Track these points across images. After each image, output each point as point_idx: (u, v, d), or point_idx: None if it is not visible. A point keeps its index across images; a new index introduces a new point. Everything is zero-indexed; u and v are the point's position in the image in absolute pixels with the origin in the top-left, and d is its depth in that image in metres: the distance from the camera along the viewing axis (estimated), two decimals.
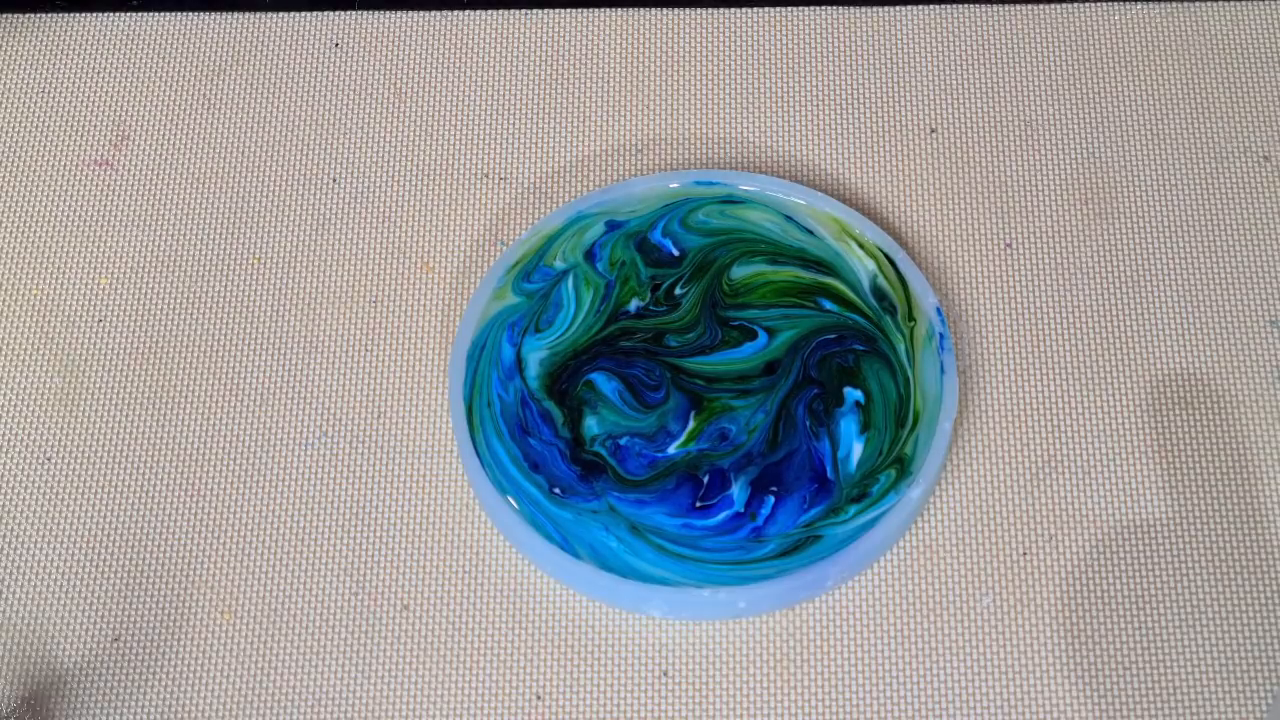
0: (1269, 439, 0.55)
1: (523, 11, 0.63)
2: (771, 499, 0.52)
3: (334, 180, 0.60)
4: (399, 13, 0.63)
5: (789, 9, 0.62)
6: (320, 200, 0.59)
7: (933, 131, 0.60)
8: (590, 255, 0.56)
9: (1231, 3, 0.62)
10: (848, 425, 0.53)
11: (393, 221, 0.59)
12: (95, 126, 0.61)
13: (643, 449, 0.53)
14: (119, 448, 0.55)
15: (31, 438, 0.55)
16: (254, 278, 0.58)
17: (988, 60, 0.61)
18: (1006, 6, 0.62)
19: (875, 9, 0.62)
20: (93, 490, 0.55)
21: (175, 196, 0.59)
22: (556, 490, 0.53)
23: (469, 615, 0.53)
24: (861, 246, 0.56)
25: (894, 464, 0.53)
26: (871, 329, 0.55)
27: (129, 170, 0.60)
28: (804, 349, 0.55)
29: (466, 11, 0.63)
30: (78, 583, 0.53)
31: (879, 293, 0.56)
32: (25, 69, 0.62)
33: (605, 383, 0.54)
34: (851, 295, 0.56)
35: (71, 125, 0.61)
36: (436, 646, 0.52)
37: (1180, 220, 0.58)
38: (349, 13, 0.63)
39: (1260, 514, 0.53)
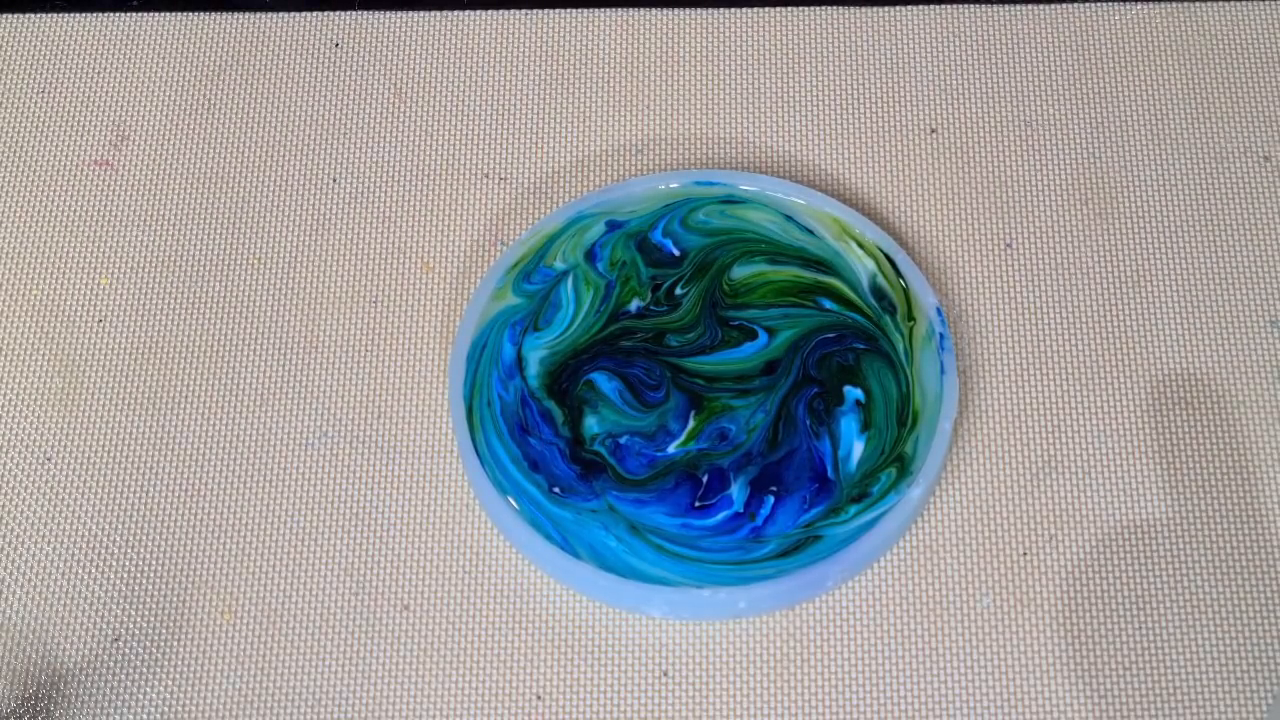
0: (1269, 439, 0.55)
1: (523, 11, 0.63)
2: (771, 499, 0.52)
3: (334, 180, 0.60)
4: (399, 13, 0.63)
5: (789, 9, 0.62)
6: (320, 200, 0.59)
7: (933, 131, 0.60)
8: (590, 255, 0.56)
9: (1231, 3, 0.62)
10: (848, 424, 0.53)
11: (393, 221, 0.59)
12: (95, 126, 0.61)
13: (642, 448, 0.53)
14: (119, 448, 0.55)
15: (31, 438, 0.55)
16: (254, 278, 0.58)
17: (988, 60, 0.61)
18: (1006, 6, 0.62)
19: (875, 9, 0.62)
20: (93, 490, 0.55)
21: (175, 196, 0.59)
22: (556, 490, 0.53)
23: (469, 615, 0.53)
24: (861, 246, 0.56)
25: (894, 463, 0.53)
26: (871, 328, 0.55)
27: (129, 170, 0.60)
28: (804, 348, 0.55)
29: (466, 11, 0.63)
30: (78, 583, 0.53)
31: (878, 292, 0.56)
32: (25, 69, 0.62)
33: (605, 382, 0.54)
34: (851, 295, 0.56)
35: (71, 125, 0.61)
36: (436, 646, 0.52)
37: (1180, 220, 0.58)
38: (349, 13, 0.63)
39: (1260, 514, 0.53)
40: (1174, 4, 0.62)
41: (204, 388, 0.56)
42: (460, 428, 0.54)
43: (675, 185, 0.58)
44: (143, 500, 0.54)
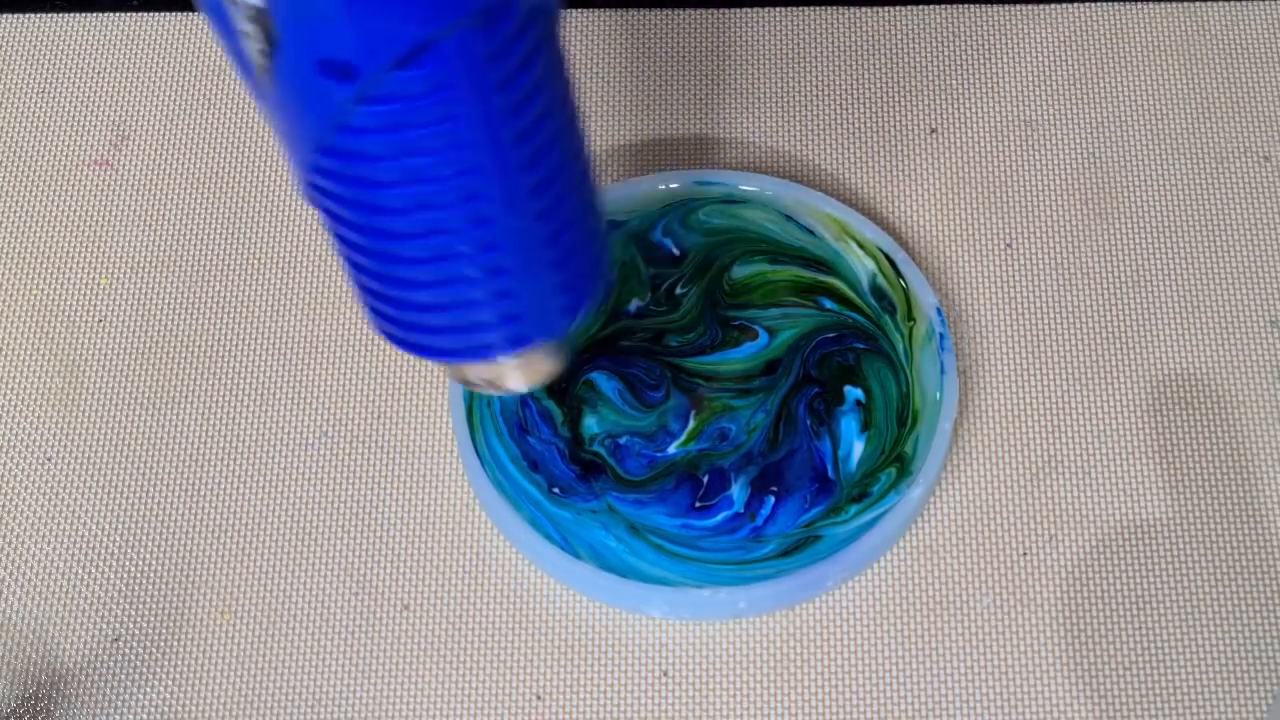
0: (1269, 439, 0.55)
1: None
2: (771, 499, 0.52)
3: None
4: None
5: (789, 9, 0.62)
6: None
7: (933, 131, 0.60)
8: None
9: (1231, 3, 0.62)
10: (848, 424, 0.53)
11: None
12: (95, 126, 0.61)
13: (642, 448, 0.53)
14: (119, 448, 0.55)
15: (31, 438, 0.55)
16: (254, 278, 0.58)
17: (988, 60, 0.61)
18: (1006, 6, 0.62)
19: (875, 9, 0.62)
20: (93, 490, 0.55)
21: (175, 196, 0.59)
22: (556, 490, 0.52)
23: (469, 615, 0.53)
24: (861, 246, 0.56)
25: (894, 463, 0.53)
26: (871, 328, 0.55)
27: (129, 170, 0.60)
28: (804, 347, 0.55)
29: None
30: (78, 583, 0.53)
31: (878, 292, 0.56)
32: (25, 69, 0.62)
33: (605, 382, 0.54)
34: (851, 295, 0.56)
35: (71, 125, 0.61)
36: (436, 646, 0.52)
37: (1180, 220, 0.58)
38: None
39: (1260, 514, 0.53)
40: (1174, 4, 0.62)
41: (204, 388, 0.56)
42: (460, 428, 0.54)
43: (675, 185, 0.58)
44: (143, 500, 0.54)
